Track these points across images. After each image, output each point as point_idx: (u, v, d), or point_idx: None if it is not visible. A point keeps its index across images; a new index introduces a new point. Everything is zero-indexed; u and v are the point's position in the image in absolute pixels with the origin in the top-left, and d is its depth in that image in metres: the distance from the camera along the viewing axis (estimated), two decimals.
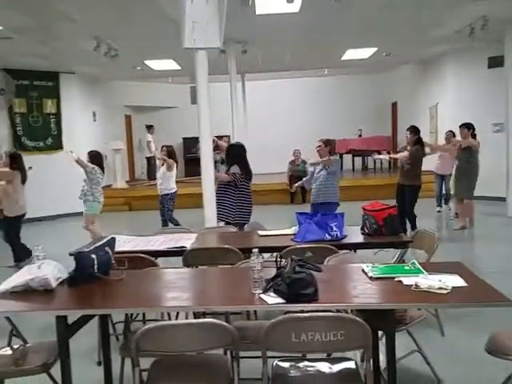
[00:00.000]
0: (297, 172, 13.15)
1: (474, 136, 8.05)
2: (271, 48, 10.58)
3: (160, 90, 17.73)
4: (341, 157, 16.96)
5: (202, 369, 2.50)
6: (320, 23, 8.62)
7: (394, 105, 17.56)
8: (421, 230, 4.15)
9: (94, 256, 2.84)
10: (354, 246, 3.95)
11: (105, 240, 3.06)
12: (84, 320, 2.70)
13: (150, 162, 15.77)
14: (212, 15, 4.53)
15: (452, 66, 12.48)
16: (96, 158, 7.63)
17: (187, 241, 4.18)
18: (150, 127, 16.00)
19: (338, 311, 2.49)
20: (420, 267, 2.80)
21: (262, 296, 2.45)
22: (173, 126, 17.96)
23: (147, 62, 11.86)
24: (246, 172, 5.64)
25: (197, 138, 5.95)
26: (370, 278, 2.72)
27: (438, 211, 10.20)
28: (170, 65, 12.33)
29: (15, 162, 6.85)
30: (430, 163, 9.37)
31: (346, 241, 3.99)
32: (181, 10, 4.46)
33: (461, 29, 9.49)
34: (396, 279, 2.66)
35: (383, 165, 16.47)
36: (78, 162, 7.30)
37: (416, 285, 2.51)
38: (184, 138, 17.72)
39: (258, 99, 16.66)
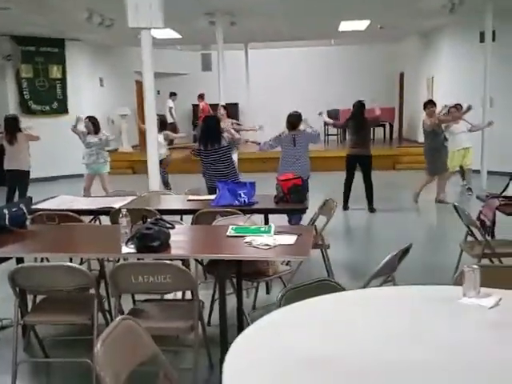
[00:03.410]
0: None
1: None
2: (261, 19, 10.85)
3: (171, 57, 18.13)
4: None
5: (74, 304, 3.10)
6: None
7: (402, 75, 17.59)
8: (327, 198, 4.62)
9: (5, 211, 3.44)
10: (260, 211, 4.47)
11: (21, 199, 3.65)
12: None
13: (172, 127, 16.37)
14: None
15: (447, 40, 12.53)
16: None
17: (121, 202, 4.76)
18: (172, 94, 16.56)
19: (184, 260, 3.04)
20: (271, 229, 3.30)
21: (123, 247, 3.01)
22: (183, 92, 18.44)
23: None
24: None
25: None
26: (226, 236, 3.25)
27: None
28: (170, 34, 12.75)
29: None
30: None
31: (255, 206, 4.50)
32: None
33: (445, 3, 9.58)
34: (244, 238, 3.17)
35: (386, 136, 16.72)
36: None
37: (250, 242, 3.03)
38: (193, 105, 18.23)
39: (262, 69, 16.96)
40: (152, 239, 2.91)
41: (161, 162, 8.63)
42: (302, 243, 3.05)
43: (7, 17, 9.75)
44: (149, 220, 3.11)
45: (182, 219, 4.95)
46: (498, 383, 1.54)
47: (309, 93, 17.50)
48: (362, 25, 12.22)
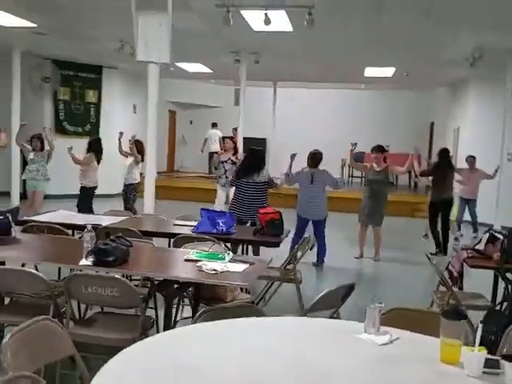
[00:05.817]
0: None
1: None
2: (283, 60, 11.23)
3: (205, 90, 18.79)
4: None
5: (37, 307, 3.32)
6: (319, 41, 9.20)
7: (432, 125, 17.63)
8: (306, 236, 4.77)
9: None
10: (235, 241, 4.65)
11: (8, 208, 3.96)
12: None
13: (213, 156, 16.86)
14: (163, 36, 5.36)
15: (472, 92, 12.60)
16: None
17: (111, 221, 5.02)
18: (214, 125, 17.17)
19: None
20: (227, 257, 3.47)
21: (82, 260, 3.24)
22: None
23: (178, 64, 12.87)
24: None
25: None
26: (184, 259, 3.44)
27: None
28: (201, 68, 13.33)
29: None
30: None
31: (232, 236, 4.69)
32: (135, 28, 5.31)
33: (467, 56, 9.70)
34: (199, 263, 3.35)
35: (406, 181, 16.74)
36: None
37: (200, 266, 3.21)
38: (223, 137, 18.71)
39: (290, 106, 17.36)
40: (107, 254, 3.13)
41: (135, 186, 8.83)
42: (249, 272, 3.20)
43: (48, 42, 10.45)
44: (111, 237, 3.34)
45: (170, 242, 5.19)
46: None
47: (336, 134, 17.69)
48: (388, 71, 12.44)
